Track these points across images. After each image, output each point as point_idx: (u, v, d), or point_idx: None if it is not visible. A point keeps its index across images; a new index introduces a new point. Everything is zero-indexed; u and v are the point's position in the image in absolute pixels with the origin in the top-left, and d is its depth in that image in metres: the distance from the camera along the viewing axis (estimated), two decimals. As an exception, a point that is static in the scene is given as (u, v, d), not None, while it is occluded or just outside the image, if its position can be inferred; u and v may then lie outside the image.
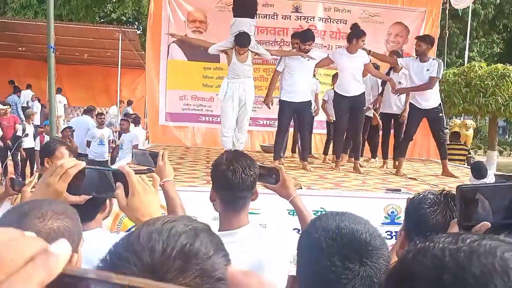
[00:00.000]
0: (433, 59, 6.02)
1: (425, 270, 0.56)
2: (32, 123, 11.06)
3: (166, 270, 0.65)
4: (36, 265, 0.37)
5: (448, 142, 9.49)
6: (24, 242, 0.38)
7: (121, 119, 10.06)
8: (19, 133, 10.24)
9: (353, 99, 6.12)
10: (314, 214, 4.07)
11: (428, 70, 5.94)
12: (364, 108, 6.36)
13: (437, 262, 0.55)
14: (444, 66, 8.42)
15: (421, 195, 1.45)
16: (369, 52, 6.13)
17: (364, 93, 6.23)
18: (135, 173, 1.23)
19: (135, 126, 10.02)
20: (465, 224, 1.11)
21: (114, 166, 5.41)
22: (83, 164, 1.21)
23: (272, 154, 7.24)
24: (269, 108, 6.60)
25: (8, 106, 11.33)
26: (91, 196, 1.26)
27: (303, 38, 5.97)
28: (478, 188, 1.17)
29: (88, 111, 10.21)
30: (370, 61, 6.20)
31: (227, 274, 0.42)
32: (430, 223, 1.34)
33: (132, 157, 2.17)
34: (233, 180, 1.76)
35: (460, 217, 1.12)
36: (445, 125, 6.59)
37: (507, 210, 1.10)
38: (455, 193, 1.48)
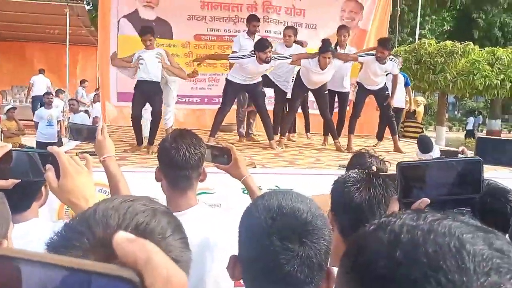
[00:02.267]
0: (390, 60, 6.19)
1: (380, 246, 0.54)
2: None
3: None
4: None
5: (404, 119, 9.79)
6: None
7: (70, 99, 9.71)
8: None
9: (315, 89, 6.30)
10: (268, 192, 4.13)
11: (386, 71, 6.28)
12: (326, 92, 6.37)
13: (392, 238, 0.54)
14: (395, 44, 8.60)
15: (344, 175, 1.46)
16: (333, 54, 6.01)
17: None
18: (91, 155, 1.19)
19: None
20: (404, 200, 1.12)
21: (64, 149, 5.23)
22: (9, 146, 1.15)
23: (228, 133, 7.25)
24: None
25: None
26: (20, 181, 1.20)
27: (260, 47, 5.67)
28: (417, 164, 1.18)
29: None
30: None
31: (113, 241, 0.40)
32: (355, 200, 1.35)
33: (68, 132, 2.01)
34: (176, 158, 1.71)
35: (400, 194, 1.13)
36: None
37: (447, 186, 1.11)
38: (376, 171, 1.50)
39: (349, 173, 1.47)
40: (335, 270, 1.02)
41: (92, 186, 1.22)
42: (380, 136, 7.10)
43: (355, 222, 1.32)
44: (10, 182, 1.16)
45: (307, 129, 7.53)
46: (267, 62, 5.70)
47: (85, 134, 1.98)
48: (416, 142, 8.31)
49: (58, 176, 1.14)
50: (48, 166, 1.15)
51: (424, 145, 4.95)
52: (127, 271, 0.37)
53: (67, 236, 0.66)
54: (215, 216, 1.85)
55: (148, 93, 5.65)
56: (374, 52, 6.19)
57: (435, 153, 4.65)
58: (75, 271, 0.36)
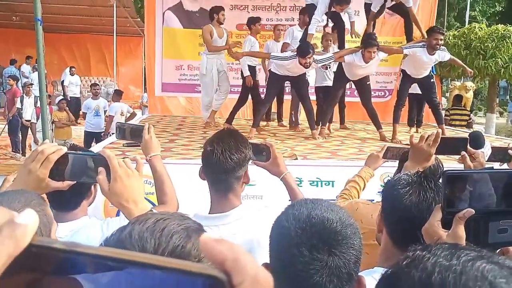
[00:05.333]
0: (439, 49, 5.93)
1: (411, 285, 0.54)
2: (33, 94, 10.77)
3: None
4: (3, 236, 0.36)
5: (450, 106, 9.49)
6: None
7: (115, 90, 9.98)
8: (18, 105, 10.16)
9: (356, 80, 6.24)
10: (310, 184, 4.11)
11: (435, 61, 6.08)
12: (368, 82, 6.30)
13: (424, 278, 0.54)
14: (444, 29, 8.33)
15: (396, 177, 1.44)
16: (378, 48, 5.87)
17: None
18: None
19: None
20: (448, 210, 1.10)
21: (108, 141, 5.40)
22: (64, 149, 1.20)
23: (274, 122, 7.31)
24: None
25: (11, 80, 11.04)
26: (75, 182, 1.25)
27: (301, 53, 5.62)
28: (464, 174, 1.16)
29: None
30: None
31: (200, 242, 0.42)
32: (404, 204, 1.32)
33: (116, 132, 2.08)
34: (212, 161, 1.70)
35: (444, 203, 1.11)
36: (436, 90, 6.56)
37: (493, 197, 1.09)
38: (430, 172, 1.46)
39: (401, 175, 1.45)
40: (365, 279, 1.02)
41: (142, 189, 1.26)
42: (412, 123, 7.07)
43: (404, 225, 1.32)
44: (65, 184, 1.22)
45: (342, 120, 7.46)
46: (307, 67, 5.74)
47: (132, 133, 2.04)
48: (462, 130, 8.13)
49: (109, 178, 1.19)
50: (101, 169, 1.19)
51: (475, 142, 4.78)
52: (216, 270, 0.38)
53: None
54: (258, 216, 1.84)
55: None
56: (422, 43, 5.97)
57: (487, 149, 4.48)
58: (165, 270, 0.37)
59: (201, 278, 0.37)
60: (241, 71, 6.84)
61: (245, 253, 0.41)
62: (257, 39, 6.79)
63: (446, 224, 1.10)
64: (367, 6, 6.57)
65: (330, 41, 6.78)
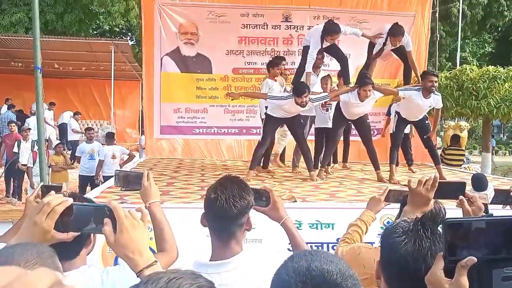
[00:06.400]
0: (434, 94, 6.02)
1: None
2: (31, 139, 10.70)
3: None
4: None
5: (447, 146, 9.59)
6: (36, 277, 0.37)
7: (107, 132, 9.95)
8: (15, 149, 10.18)
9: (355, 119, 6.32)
10: (310, 227, 4.08)
11: (430, 106, 6.10)
12: (368, 120, 6.40)
13: None
14: (436, 70, 8.52)
15: (393, 224, 1.44)
16: (373, 86, 6.00)
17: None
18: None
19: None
20: (450, 258, 1.10)
21: (104, 186, 5.38)
22: (70, 200, 1.20)
23: (273, 164, 7.33)
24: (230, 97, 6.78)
25: (14, 124, 11.12)
26: (79, 233, 1.25)
27: (297, 92, 5.77)
28: (464, 222, 1.16)
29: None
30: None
31: None
32: (400, 252, 1.32)
33: (115, 179, 2.08)
34: (214, 209, 1.70)
35: (446, 252, 1.11)
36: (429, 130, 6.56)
37: (495, 245, 1.08)
38: (432, 216, 1.45)
39: (399, 221, 1.45)
40: None
41: (147, 239, 1.25)
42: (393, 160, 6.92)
43: (401, 274, 1.31)
44: (70, 235, 1.22)
45: (345, 159, 7.53)
46: (303, 107, 5.82)
47: (131, 180, 2.04)
48: (458, 170, 8.17)
49: (115, 229, 1.19)
50: (106, 220, 1.19)
51: (478, 183, 4.77)
52: None
53: None
54: (260, 262, 1.82)
55: None
56: (417, 87, 6.05)
57: (490, 191, 4.48)
58: None
59: None
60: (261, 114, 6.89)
61: None
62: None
63: (449, 272, 1.09)
64: (371, 46, 6.70)
65: (328, 84, 6.87)
